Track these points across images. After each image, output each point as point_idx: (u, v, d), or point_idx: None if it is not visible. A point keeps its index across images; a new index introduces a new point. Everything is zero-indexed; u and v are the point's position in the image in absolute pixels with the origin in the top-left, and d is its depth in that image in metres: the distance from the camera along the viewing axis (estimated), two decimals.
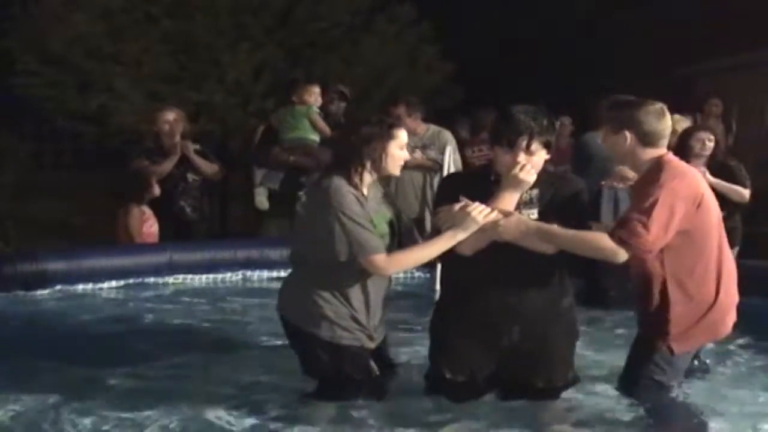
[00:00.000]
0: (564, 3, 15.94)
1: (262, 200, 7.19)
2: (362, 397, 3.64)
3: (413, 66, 13.49)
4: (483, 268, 3.55)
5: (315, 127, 7.06)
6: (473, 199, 3.45)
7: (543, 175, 3.61)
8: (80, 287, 5.98)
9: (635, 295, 3.79)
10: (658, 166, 3.52)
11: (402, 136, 3.67)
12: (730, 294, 3.68)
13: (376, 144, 3.58)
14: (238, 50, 12.12)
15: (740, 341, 4.80)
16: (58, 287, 5.91)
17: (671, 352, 3.57)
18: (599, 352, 4.62)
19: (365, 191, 3.62)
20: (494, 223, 3.41)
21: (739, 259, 6.43)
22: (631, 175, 5.46)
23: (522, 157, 3.46)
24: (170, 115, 7.20)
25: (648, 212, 3.33)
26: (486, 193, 3.52)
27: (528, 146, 3.46)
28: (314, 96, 7.15)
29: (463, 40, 14.42)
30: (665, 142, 3.64)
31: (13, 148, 13.39)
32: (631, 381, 3.70)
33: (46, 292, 5.84)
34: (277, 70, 12.17)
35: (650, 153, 3.56)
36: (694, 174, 3.63)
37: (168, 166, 7.00)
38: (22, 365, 4.27)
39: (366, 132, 3.61)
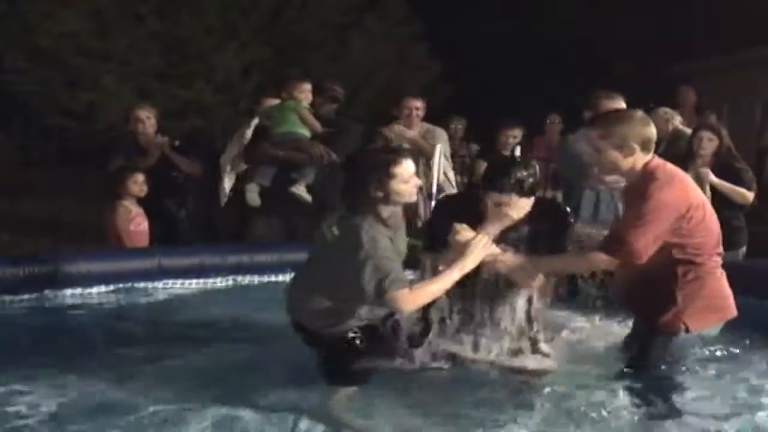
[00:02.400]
0: (562, 2, 16.01)
1: (253, 197, 7.08)
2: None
3: (402, 64, 13.49)
4: None
5: (305, 122, 6.99)
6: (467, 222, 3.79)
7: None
8: (69, 292, 5.87)
9: (630, 292, 3.90)
10: (648, 174, 3.65)
11: (403, 170, 3.59)
12: (726, 280, 3.81)
13: (380, 182, 3.54)
14: (226, 49, 12.10)
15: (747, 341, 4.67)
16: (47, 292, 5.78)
17: (687, 329, 3.65)
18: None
19: (393, 219, 3.67)
20: (494, 258, 3.74)
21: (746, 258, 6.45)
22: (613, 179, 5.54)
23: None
24: (142, 113, 7.09)
25: (636, 225, 3.55)
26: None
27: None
28: (305, 93, 7.06)
29: (453, 39, 14.44)
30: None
31: (1, 145, 13.33)
32: (645, 368, 3.78)
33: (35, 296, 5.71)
34: (265, 69, 12.15)
35: (644, 159, 3.70)
36: (681, 179, 3.72)
37: (147, 164, 6.92)
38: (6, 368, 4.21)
39: (366, 173, 3.57)
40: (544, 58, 15.58)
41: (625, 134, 3.64)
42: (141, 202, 6.73)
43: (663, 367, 3.76)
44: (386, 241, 3.53)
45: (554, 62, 15.35)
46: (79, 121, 11.98)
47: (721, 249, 3.74)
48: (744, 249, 6.46)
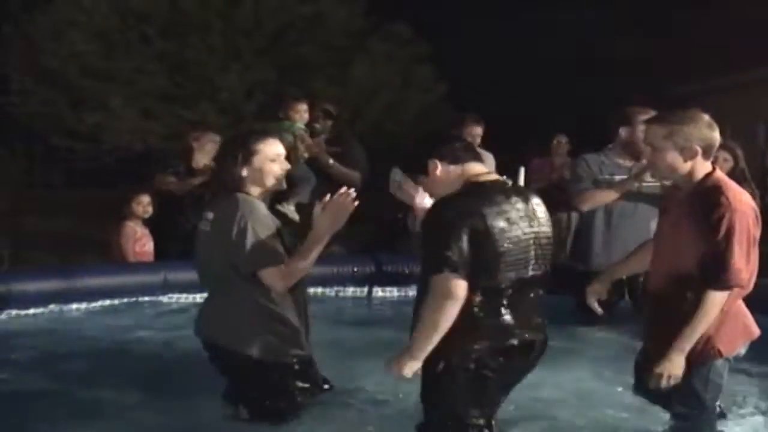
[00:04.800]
0: (564, 24, 16.09)
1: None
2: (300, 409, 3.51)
3: (406, 86, 13.54)
4: None
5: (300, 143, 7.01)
6: None
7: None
8: (74, 306, 5.87)
9: (660, 319, 3.48)
10: (717, 185, 3.31)
11: (267, 150, 3.43)
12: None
13: (243, 160, 3.39)
14: (230, 70, 12.16)
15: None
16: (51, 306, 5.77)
17: (720, 354, 3.38)
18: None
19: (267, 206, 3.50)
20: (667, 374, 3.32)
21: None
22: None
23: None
24: (217, 137, 7.14)
25: (737, 246, 3.21)
26: None
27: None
28: (300, 113, 7.10)
29: (458, 61, 14.48)
30: None
31: (5, 167, 13.35)
32: (698, 405, 3.46)
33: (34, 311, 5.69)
34: (268, 90, 12.20)
35: (705, 167, 3.39)
36: (741, 189, 3.43)
37: (191, 184, 6.89)
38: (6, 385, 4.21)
39: (231, 152, 3.46)
40: (546, 78, 15.63)
41: (690, 135, 3.33)
42: (161, 222, 6.73)
43: (706, 397, 3.44)
44: (264, 211, 3.39)
45: (556, 83, 15.40)
46: (84, 142, 12.02)
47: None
48: None
